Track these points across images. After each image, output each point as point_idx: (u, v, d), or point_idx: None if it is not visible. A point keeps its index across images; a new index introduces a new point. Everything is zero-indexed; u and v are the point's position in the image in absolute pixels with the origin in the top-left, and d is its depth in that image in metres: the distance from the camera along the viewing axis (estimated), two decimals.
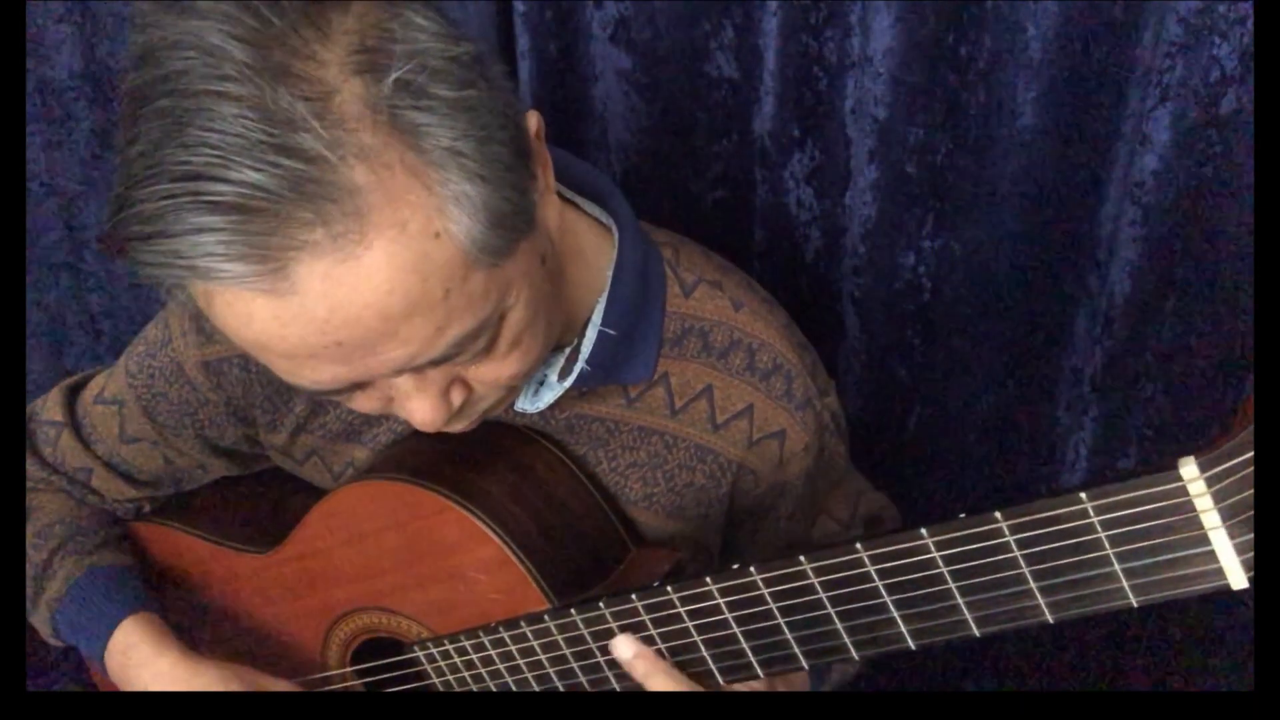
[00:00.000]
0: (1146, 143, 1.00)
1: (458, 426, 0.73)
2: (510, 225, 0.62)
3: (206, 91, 0.54)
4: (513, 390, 0.73)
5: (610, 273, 0.81)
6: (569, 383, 0.80)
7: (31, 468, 0.95)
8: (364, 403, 0.69)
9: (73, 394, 0.97)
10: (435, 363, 0.64)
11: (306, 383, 0.64)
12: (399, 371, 0.64)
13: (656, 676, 0.71)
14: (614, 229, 0.83)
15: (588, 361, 0.79)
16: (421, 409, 0.67)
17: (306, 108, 0.54)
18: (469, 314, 0.62)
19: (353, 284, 0.57)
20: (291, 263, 0.56)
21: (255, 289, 0.57)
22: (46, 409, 0.96)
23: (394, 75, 0.56)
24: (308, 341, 0.59)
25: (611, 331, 0.80)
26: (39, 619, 0.93)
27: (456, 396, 0.69)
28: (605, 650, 0.74)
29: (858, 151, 1.14)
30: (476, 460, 0.83)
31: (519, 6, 1.21)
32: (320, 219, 0.55)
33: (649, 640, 0.72)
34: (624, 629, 0.73)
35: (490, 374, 0.68)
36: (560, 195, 0.79)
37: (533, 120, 0.67)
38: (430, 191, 0.58)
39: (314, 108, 0.54)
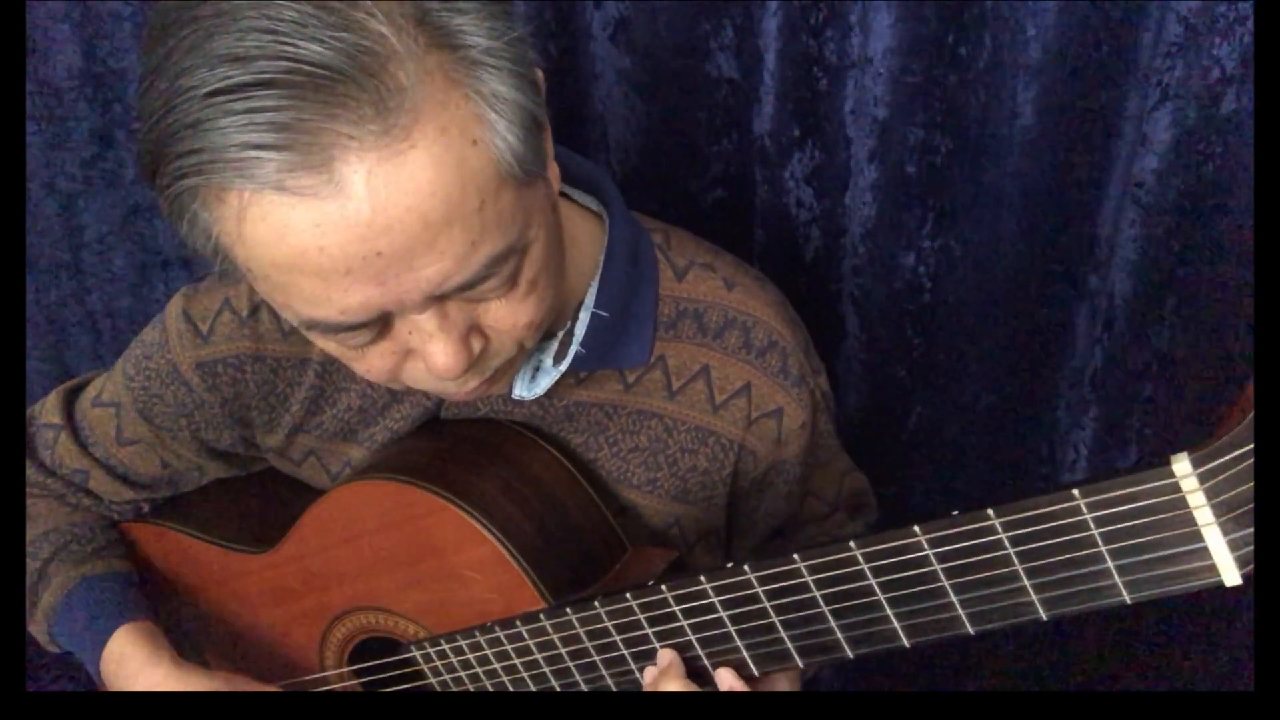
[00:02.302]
0: (1146, 143, 1.00)
1: (473, 383, 0.72)
2: (536, 137, 0.63)
3: None
4: (523, 350, 0.73)
5: (602, 257, 0.81)
6: (565, 365, 0.80)
7: (29, 471, 0.95)
8: (378, 359, 0.69)
9: (71, 397, 0.97)
10: (464, 288, 0.63)
11: (334, 312, 0.62)
12: (428, 298, 0.63)
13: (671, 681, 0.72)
14: (604, 215, 0.83)
15: (582, 344, 0.80)
16: (444, 352, 0.66)
17: None
18: (499, 232, 0.62)
19: (397, 183, 0.57)
20: (336, 160, 0.56)
21: (296, 190, 0.56)
22: (45, 412, 0.96)
23: None
24: (347, 251, 0.59)
25: (604, 313, 0.80)
26: (36, 628, 0.93)
27: (475, 343, 0.69)
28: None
29: (858, 151, 1.13)
30: (473, 460, 0.83)
31: (519, 7, 1.21)
32: (375, 105, 0.55)
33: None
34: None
35: (508, 318, 0.68)
36: None
37: (538, 75, 0.67)
38: (468, 99, 0.59)
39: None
